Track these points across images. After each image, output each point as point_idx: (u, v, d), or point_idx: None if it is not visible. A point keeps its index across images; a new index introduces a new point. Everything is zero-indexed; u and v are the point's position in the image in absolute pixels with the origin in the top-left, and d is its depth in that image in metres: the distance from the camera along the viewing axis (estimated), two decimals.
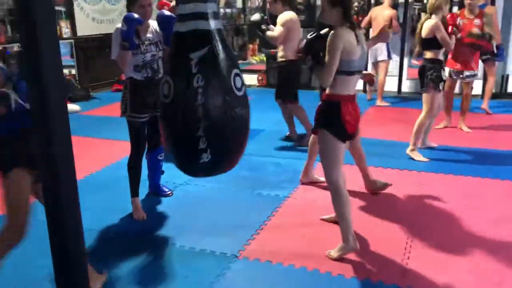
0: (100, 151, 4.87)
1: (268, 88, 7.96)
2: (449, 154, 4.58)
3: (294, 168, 4.25)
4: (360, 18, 7.37)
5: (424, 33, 4.30)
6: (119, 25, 3.03)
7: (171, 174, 3.84)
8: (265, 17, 4.78)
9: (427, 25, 4.29)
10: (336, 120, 2.65)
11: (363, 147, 3.64)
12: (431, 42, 4.29)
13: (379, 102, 6.85)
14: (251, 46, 11.04)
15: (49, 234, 1.49)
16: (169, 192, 3.69)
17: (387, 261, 2.73)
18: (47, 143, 1.39)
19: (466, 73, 5.07)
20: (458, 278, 2.54)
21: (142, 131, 3.32)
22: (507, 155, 4.51)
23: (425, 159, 4.36)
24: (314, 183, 3.84)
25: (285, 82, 4.95)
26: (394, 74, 7.61)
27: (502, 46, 6.04)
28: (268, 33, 4.67)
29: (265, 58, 8.94)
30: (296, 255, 2.79)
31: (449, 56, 5.24)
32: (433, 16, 4.27)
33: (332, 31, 2.60)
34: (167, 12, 3.03)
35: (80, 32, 7.86)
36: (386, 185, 3.63)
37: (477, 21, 4.99)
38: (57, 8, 7.77)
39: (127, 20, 2.91)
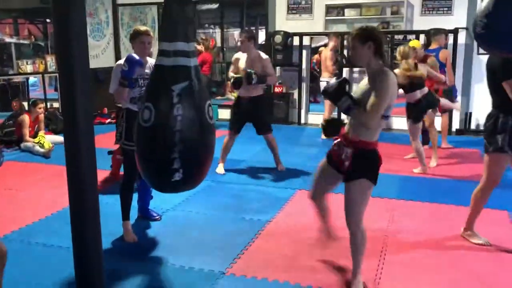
0: None
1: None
2: (418, 182, 4.93)
3: (274, 195, 4.52)
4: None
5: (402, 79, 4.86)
6: (121, 61, 3.28)
7: (159, 200, 4.07)
8: (253, 70, 4.99)
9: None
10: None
11: None
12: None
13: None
14: (229, 82, 11.42)
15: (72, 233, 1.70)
16: (157, 217, 3.89)
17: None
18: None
19: None
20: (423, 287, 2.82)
21: (135, 158, 3.53)
22: (469, 184, 4.89)
23: None
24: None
25: (265, 115, 5.34)
26: None
27: (455, 87, 6.65)
28: (269, 78, 5.10)
29: None
30: (280, 271, 3.03)
31: None
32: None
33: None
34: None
35: None
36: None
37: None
38: (43, 43, 8.03)
39: (129, 61, 3.15)
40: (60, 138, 6.81)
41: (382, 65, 2.58)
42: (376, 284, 2.89)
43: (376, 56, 2.57)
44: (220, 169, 5.28)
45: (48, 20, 10.89)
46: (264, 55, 5.10)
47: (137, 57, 3.20)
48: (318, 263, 3.15)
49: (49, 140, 6.47)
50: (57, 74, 7.90)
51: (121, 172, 4.10)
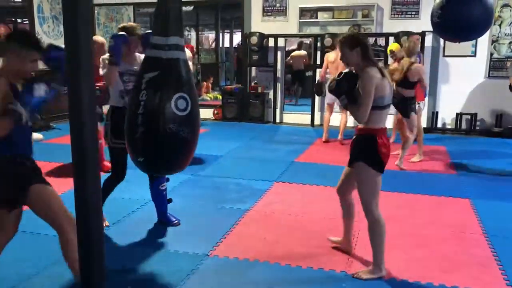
0: (68, 174, 5.13)
1: (224, 121, 8.71)
2: (390, 176, 5.21)
3: (253, 187, 4.72)
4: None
5: (416, 76, 5.25)
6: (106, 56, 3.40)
7: (142, 191, 4.21)
8: None
9: (421, 68, 5.35)
10: (373, 152, 2.81)
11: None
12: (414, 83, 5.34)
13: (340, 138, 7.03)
14: (204, 83, 11.65)
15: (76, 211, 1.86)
16: (175, 222, 3.74)
17: (335, 253, 3.22)
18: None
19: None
20: (393, 264, 3.07)
21: (122, 156, 3.44)
22: (435, 177, 5.21)
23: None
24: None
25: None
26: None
27: None
28: None
29: (219, 95, 9.62)
30: (260, 253, 3.22)
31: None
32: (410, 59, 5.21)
33: (363, 72, 2.78)
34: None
35: None
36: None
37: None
38: None
39: (114, 36, 3.28)
40: (40, 136, 6.87)
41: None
42: (349, 262, 3.13)
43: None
44: None
45: (19, 20, 10.86)
46: None
47: (123, 33, 3.33)
48: (296, 246, 3.36)
49: None
50: None
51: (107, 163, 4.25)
